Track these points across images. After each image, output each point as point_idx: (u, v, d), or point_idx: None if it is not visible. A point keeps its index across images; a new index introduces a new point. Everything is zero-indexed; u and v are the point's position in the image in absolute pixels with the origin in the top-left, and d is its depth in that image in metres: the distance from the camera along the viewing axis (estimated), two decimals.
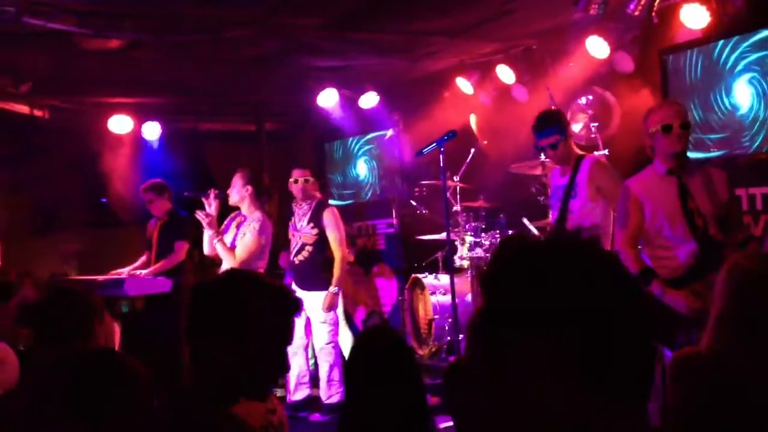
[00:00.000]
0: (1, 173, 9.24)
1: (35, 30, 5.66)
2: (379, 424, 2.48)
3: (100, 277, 6.90)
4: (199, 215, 5.98)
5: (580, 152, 5.24)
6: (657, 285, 4.13)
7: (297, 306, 2.20)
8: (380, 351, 2.62)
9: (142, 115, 8.59)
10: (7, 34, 5.82)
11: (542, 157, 6.11)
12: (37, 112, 8.21)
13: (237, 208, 6.36)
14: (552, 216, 5.40)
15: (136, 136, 8.66)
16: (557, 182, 5.26)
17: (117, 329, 6.31)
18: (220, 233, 6.05)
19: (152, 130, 8.67)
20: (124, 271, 7.13)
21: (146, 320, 7.13)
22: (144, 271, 7.04)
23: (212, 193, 6.13)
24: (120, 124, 8.44)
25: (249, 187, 6.20)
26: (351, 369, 2.69)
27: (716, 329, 2.49)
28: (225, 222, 6.36)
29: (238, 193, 6.23)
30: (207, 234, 6.11)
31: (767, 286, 2.46)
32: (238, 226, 6.25)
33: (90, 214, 9.39)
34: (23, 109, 8.07)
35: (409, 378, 2.59)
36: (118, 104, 8.49)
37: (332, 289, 6.25)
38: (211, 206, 6.10)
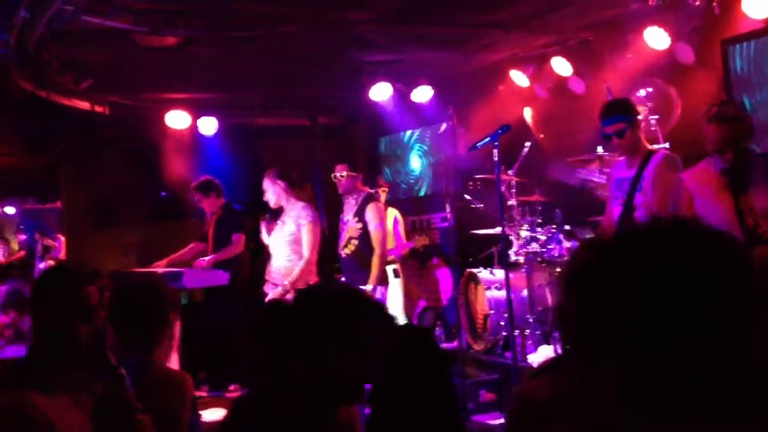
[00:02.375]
0: (64, 168, 9.48)
1: (94, 28, 5.78)
2: (407, 422, 2.47)
3: (160, 270, 6.99)
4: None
5: (651, 147, 5.09)
6: None
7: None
8: (404, 350, 2.62)
9: (199, 110, 8.72)
10: (68, 32, 5.96)
11: (600, 150, 5.99)
12: (98, 108, 8.38)
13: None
14: (611, 208, 5.24)
15: (194, 130, 8.79)
16: (622, 174, 5.05)
17: None
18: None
19: (209, 125, 8.79)
20: (185, 251, 7.39)
21: (205, 312, 7.23)
22: (205, 258, 7.08)
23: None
24: (177, 119, 8.57)
25: (281, 182, 6.24)
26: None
27: None
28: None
29: (273, 192, 6.26)
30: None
31: None
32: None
33: (150, 207, 9.57)
34: (84, 105, 8.24)
35: (436, 377, 2.56)
36: (176, 100, 8.63)
37: (367, 287, 6.03)
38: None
